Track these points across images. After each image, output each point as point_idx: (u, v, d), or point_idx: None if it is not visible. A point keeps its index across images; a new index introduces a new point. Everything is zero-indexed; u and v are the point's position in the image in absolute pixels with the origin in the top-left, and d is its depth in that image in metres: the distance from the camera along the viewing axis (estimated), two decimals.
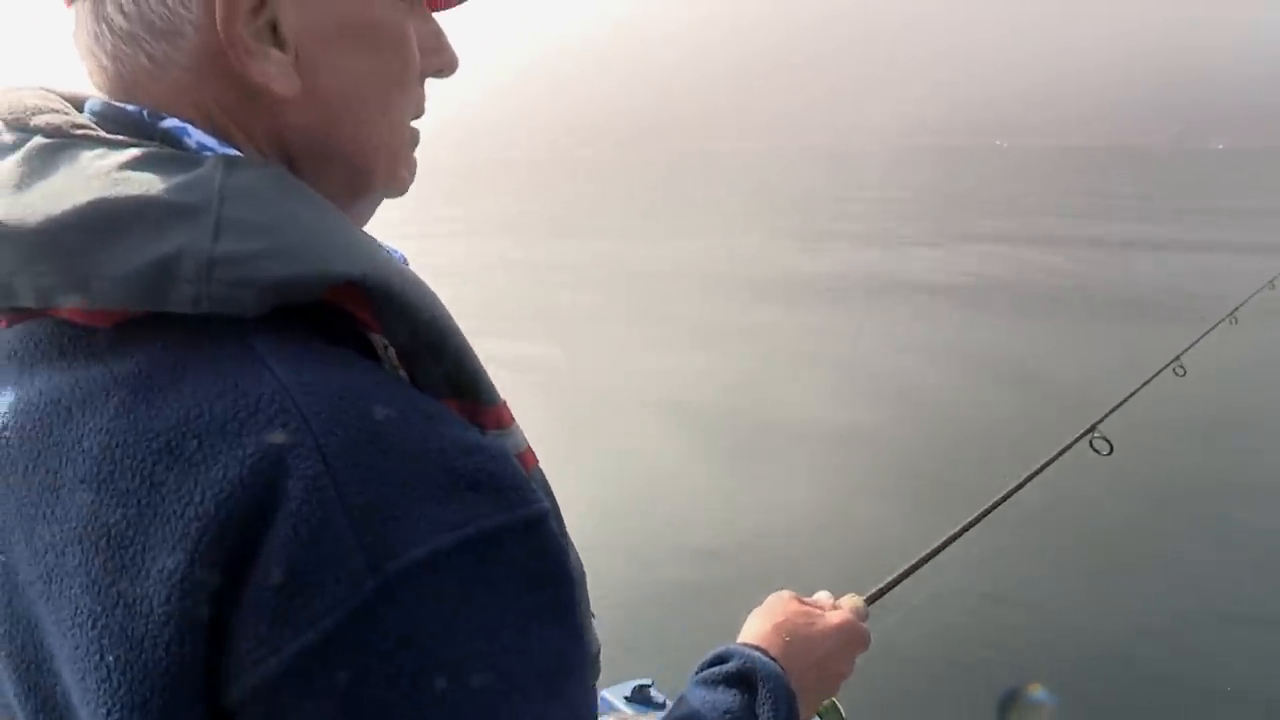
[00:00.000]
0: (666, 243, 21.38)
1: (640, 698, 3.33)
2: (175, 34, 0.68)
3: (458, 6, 0.88)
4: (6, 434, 0.63)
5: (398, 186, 0.81)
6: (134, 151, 0.65)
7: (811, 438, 8.63)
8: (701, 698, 1.00)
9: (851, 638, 1.16)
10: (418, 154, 0.84)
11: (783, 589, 1.20)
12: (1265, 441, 8.00)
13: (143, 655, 0.56)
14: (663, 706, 3.29)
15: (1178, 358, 2.22)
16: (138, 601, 0.56)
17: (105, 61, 0.71)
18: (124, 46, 0.69)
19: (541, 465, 0.73)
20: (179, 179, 0.63)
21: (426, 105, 0.83)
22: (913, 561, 1.40)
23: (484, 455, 0.61)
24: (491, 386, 0.69)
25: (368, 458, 0.57)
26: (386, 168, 0.78)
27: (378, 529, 0.56)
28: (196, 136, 0.69)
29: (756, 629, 1.12)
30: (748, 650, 1.05)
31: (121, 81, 0.71)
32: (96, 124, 0.70)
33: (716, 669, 1.03)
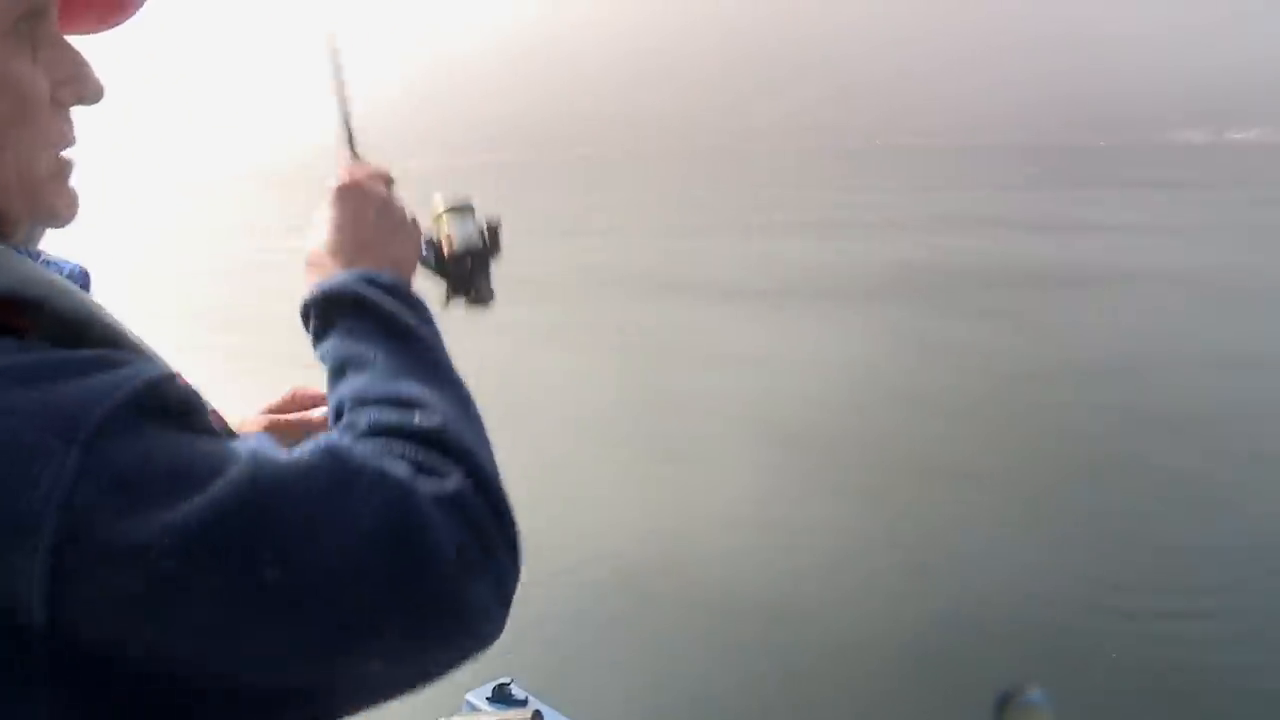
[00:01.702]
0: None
1: (500, 696, 3.52)
2: None
3: (108, 30, 0.89)
4: None
5: (52, 218, 0.83)
6: None
7: None
8: (323, 353, 0.94)
9: (361, 191, 1.08)
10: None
11: None
12: None
13: None
14: (524, 703, 3.48)
15: None
16: None
17: None
18: None
19: None
20: None
21: (77, 133, 0.84)
22: None
23: (111, 350, 0.73)
24: (154, 358, 0.78)
25: (23, 374, 0.66)
26: (24, 204, 0.80)
27: (55, 415, 0.64)
28: None
29: (307, 277, 1.02)
30: (308, 293, 0.98)
31: None
32: None
33: (312, 327, 0.97)
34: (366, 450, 0.75)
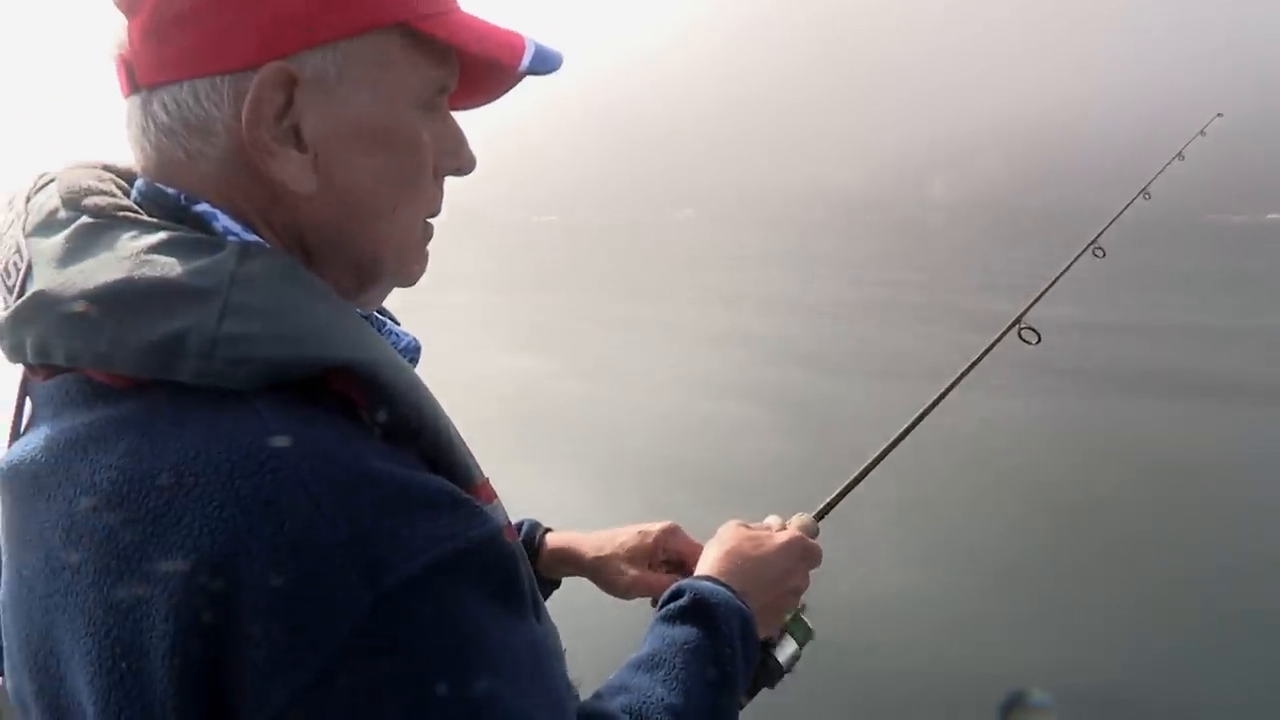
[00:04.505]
0: None
1: None
2: (208, 132, 0.80)
3: (482, 107, 0.99)
4: (35, 468, 0.74)
5: (407, 278, 0.92)
6: (163, 235, 0.76)
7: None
8: (660, 635, 1.07)
9: (803, 553, 1.25)
10: None
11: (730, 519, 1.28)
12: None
13: (149, 667, 0.65)
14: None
15: (1095, 240, 2.26)
16: (144, 619, 0.65)
17: (150, 151, 0.83)
18: (165, 139, 0.81)
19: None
20: (197, 263, 0.73)
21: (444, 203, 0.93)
22: (855, 475, 1.47)
23: (450, 485, 0.73)
24: (470, 467, 0.80)
25: (353, 494, 0.67)
26: (396, 260, 0.89)
27: (369, 553, 0.65)
28: (224, 222, 0.81)
29: (709, 559, 1.20)
30: (699, 582, 1.13)
31: (162, 169, 0.83)
32: (139, 203, 0.82)
33: (672, 605, 1.10)
34: None
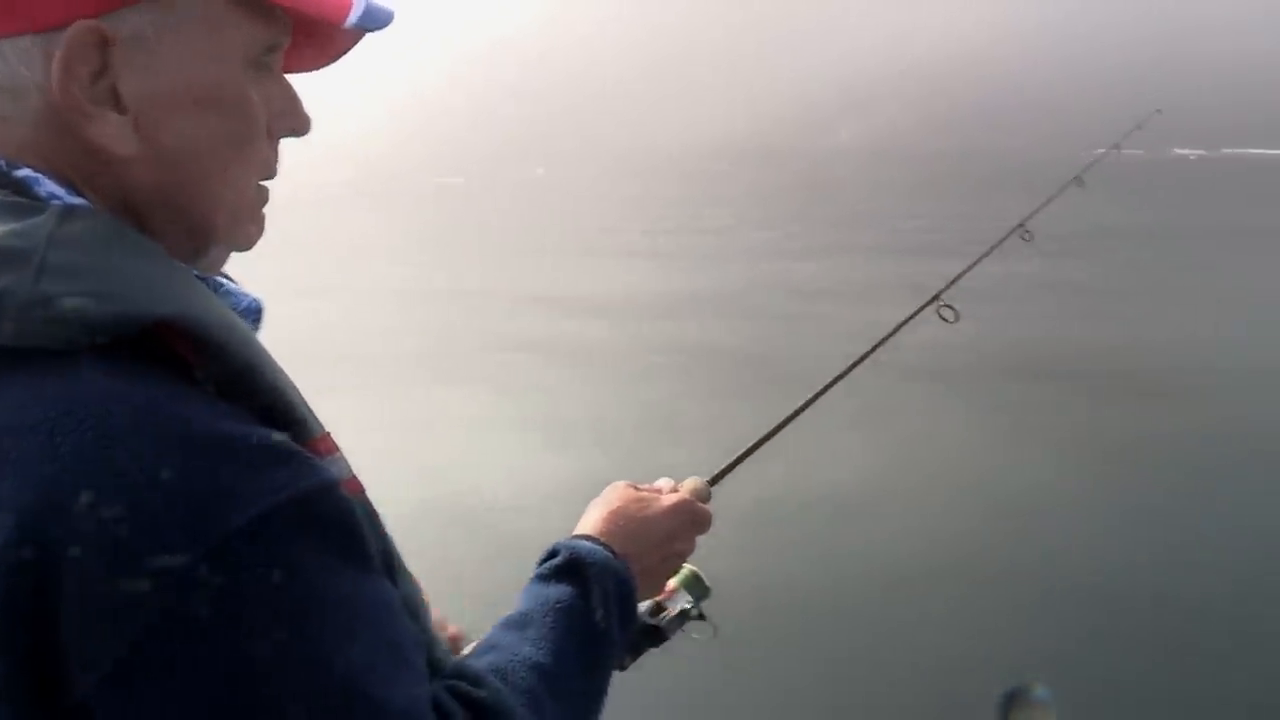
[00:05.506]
0: None
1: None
2: (20, 94, 0.78)
3: (315, 71, 0.98)
4: None
5: (243, 241, 0.91)
6: None
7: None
8: (533, 594, 1.07)
9: (690, 517, 1.25)
10: None
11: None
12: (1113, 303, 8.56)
13: None
14: None
15: (1023, 223, 2.34)
16: None
17: None
18: None
19: None
20: (12, 226, 0.73)
21: (279, 165, 0.92)
22: (753, 441, 1.49)
23: (281, 438, 0.72)
24: (308, 420, 0.80)
25: (177, 449, 0.67)
26: (227, 224, 0.88)
27: (193, 507, 0.65)
28: (48, 186, 0.79)
29: (591, 519, 1.19)
30: (574, 541, 1.13)
31: None
32: None
33: (547, 564, 1.10)
34: None
